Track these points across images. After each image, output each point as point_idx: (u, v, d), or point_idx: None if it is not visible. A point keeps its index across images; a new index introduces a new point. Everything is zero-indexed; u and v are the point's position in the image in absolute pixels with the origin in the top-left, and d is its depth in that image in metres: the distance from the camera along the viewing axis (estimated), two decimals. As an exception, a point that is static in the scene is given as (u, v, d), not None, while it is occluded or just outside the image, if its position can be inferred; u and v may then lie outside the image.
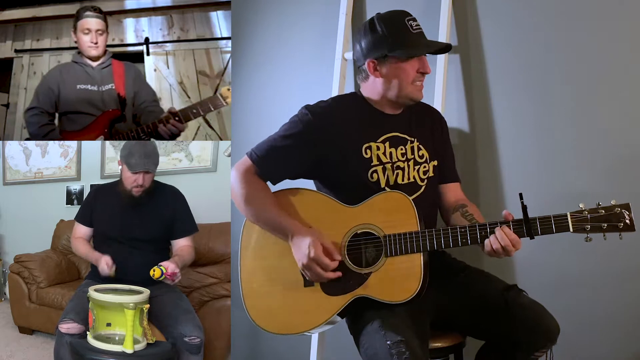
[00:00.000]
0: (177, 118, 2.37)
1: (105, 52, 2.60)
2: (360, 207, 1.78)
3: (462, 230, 1.67)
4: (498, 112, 2.28)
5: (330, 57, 2.57)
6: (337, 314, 1.76)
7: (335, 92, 2.50)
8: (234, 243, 2.95)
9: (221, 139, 3.17)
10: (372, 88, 1.87)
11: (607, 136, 2.11)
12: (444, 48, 1.86)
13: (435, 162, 1.91)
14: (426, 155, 1.89)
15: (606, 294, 2.12)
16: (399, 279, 1.69)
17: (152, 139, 2.44)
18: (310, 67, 2.71)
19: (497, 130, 2.28)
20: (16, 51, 3.36)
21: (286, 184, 1.90)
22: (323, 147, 1.82)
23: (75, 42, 2.58)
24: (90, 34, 2.51)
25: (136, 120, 2.56)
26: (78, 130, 2.50)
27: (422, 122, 1.94)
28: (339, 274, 1.73)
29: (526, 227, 1.62)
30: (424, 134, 1.91)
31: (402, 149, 1.85)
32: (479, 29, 2.30)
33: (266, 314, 1.83)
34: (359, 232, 1.77)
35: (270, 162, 1.83)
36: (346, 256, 1.76)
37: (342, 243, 1.77)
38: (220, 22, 3.28)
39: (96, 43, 2.52)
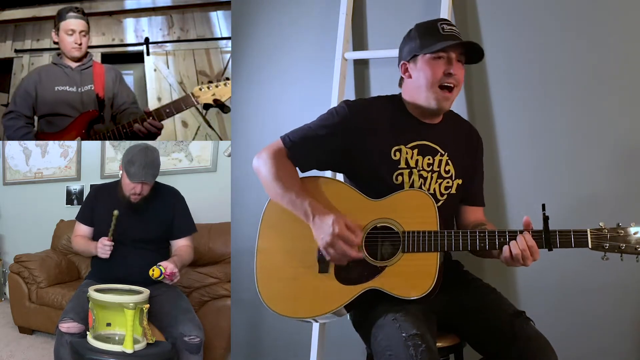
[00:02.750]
0: (152, 117, 2.35)
1: (87, 54, 2.59)
2: (383, 201, 1.79)
3: (482, 234, 1.68)
4: (498, 112, 2.28)
5: (331, 57, 2.57)
6: (345, 308, 1.76)
7: (335, 92, 2.50)
8: (234, 243, 2.96)
9: (221, 139, 3.17)
10: (406, 91, 1.89)
11: (608, 137, 2.11)
12: (471, 47, 1.80)
13: (460, 181, 1.89)
14: (452, 171, 1.87)
15: (607, 293, 2.12)
16: (413, 275, 1.69)
17: (124, 139, 2.42)
18: (311, 67, 2.71)
19: (497, 130, 2.28)
20: (16, 51, 3.36)
21: (314, 174, 1.92)
22: (353, 142, 1.84)
23: (56, 42, 2.55)
24: (74, 35, 2.49)
25: (116, 122, 2.55)
26: (56, 132, 2.48)
27: (459, 138, 1.93)
28: (361, 255, 1.74)
29: (545, 238, 1.62)
30: (457, 151, 1.89)
31: (429, 159, 1.85)
32: (479, 29, 2.30)
33: (276, 295, 1.83)
34: (378, 225, 1.78)
35: (302, 148, 1.85)
36: (363, 248, 1.77)
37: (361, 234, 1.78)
38: (220, 22, 3.28)
39: (80, 44, 2.51)
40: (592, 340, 2.14)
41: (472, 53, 1.83)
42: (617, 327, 2.11)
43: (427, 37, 1.80)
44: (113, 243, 2.33)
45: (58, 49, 2.60)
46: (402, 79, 1.91)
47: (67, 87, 2.50)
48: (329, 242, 1.72)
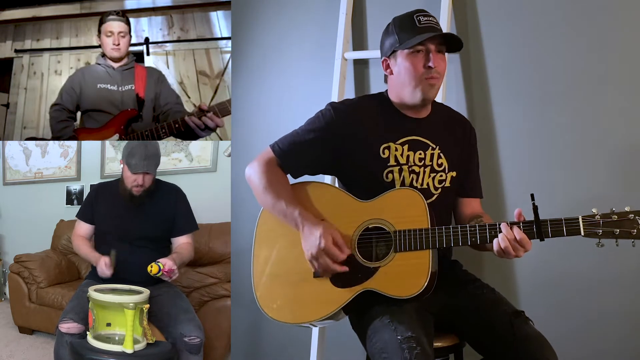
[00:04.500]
0: (210, 112, 2.36)
1: (128, 55, 2.67)
2: (373, 202, 1.79)
3: (472, 228, 1.68)
4: (498, 112, 2.28)
5: (331, 56, 2.57)
6: (342, 309, 1.76)
7: (335, 92, 2.50)
8: (234, 243, 2.96)
9: (221, 139, 3.17)
10: (391, 88, 1.89)
11: (608, 136, 2.11)
12: (448, 38, 1.79)
13: (454, 173, 1.88)
14: (445, 164, 1.87)
15: (608, 292, 2.12)
16: (407, 274, 1.69)
17: (160, 139, 2.45)
18: (311, 66, 2.71)
19: (496, 130, 2.28)
20: (16, 51, 3.37)
21: (306, 179, 1.92)
22: (342, 144, 1.84)
23: (99, 45, 2.67)
24: (112, 37, 2.60)
25: (159, 122, 2.59)
26: (96, 128, 2.57)
27: (451, 130, 1.92)
28: (345, 268, 1.74)
29: (537, 228, 1.61)
30: (449, 143, 1.89)
31: (420, 154, 1.84)
32: (479, 28, 2.30)
33: (273, 301, 1.84)
34: (370, 226, 1.77)
35: (292, 155, 1.86)
36: (356, 250, 1.77)
37: (353, 237, 1.78)
38: (220, 22, 3.28)
39: (118, 45, 2.61)
40: (592, 340, 2.14)
41: (452, 43, 1.82)
42: (617, 326, 2.11)
43: (404, 31, 1.79)
44: (113, 271, 2.32)
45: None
46: (384, 75, 1.90)
47: (109, 85, 2.61)
48: (314, 254, 1.73)
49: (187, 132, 2.39)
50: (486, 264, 2.27)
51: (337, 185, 1.95)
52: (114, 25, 2.61)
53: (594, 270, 2.11)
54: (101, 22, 2.63)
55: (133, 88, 2.61)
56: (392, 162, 1.82)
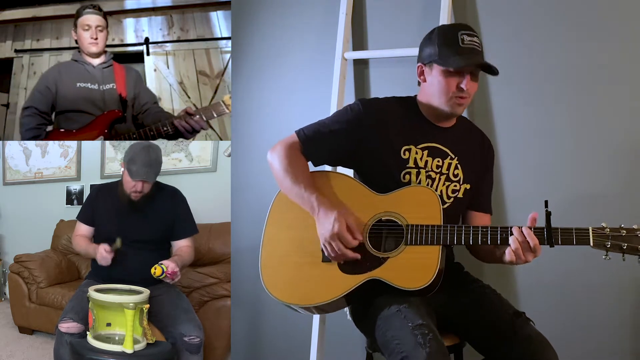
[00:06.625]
0: (197, 116, 2.38)
1: (105, 51, 2.61)
2: (388, 195, 1.82)
3: (484, 229, 1.70)
4: (498, 112, 2.28)
5: (330, 56, 2.57)
6: (345, 297, 1.77)
7: (335, 92, 2.50)
8: (234, 243, 2.96)
9: (221, 139, 3.17)
10: (421, 93, 1.91)
11: (608, 137, 2.11)
12: (486, 67, 1.79)
13: (468, 186, 1.91)
14: (461, 175, 1.89)
15: (608, 293, 2.12)
16: (415, 267, 1.71)
17: (154, 140, 2.44)
18: (310, 66, 2.71)
19: (497, 130, 2.28)
20: (16, 51, 3.37)
21: (323, 169, 1.95)
22: (365, 139, 1.86)
23: (76, 40, 2.59)
24: (90, 30, 2.52)
25: (137, 122, 2.56)
26: (77, 130, 2.48)
27: (470, 144, 1.95)
28: (357, 255, 1.76)
29: (547, 234, 1.62)
30: (467, 156, 1.91)
31: (438, 161, 1.87)
32: (479, 29, 2.30)
33: (278, 281, 1.86)
34: (383, 218, 1.80)
35: (315, 143, 1.89)
36: (367, 239, 1.79)
37: (365, 226, 1.80)
38: (220, 22, 3.28)
39: (96, 39, 2.53)
40: (592, 340, 2.14)
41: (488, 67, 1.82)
42: (617, 327, 2.11)
43: (446, 46, 1.79)
44: (113, 254, 2.32)
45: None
46: (419, 80, 1.92)
47: (89, 84, 2.52)
48: (327, 238, 1.76)
49: (175, 134, 2.38)
50: (487, 265, 2.27)
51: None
52: (91, 19, 2.51)
53: (594, 272, 2.11)
54: (78, 16, 2.54)
55: (115, 87, 2.53)
56: (411, 164, 1.85)
